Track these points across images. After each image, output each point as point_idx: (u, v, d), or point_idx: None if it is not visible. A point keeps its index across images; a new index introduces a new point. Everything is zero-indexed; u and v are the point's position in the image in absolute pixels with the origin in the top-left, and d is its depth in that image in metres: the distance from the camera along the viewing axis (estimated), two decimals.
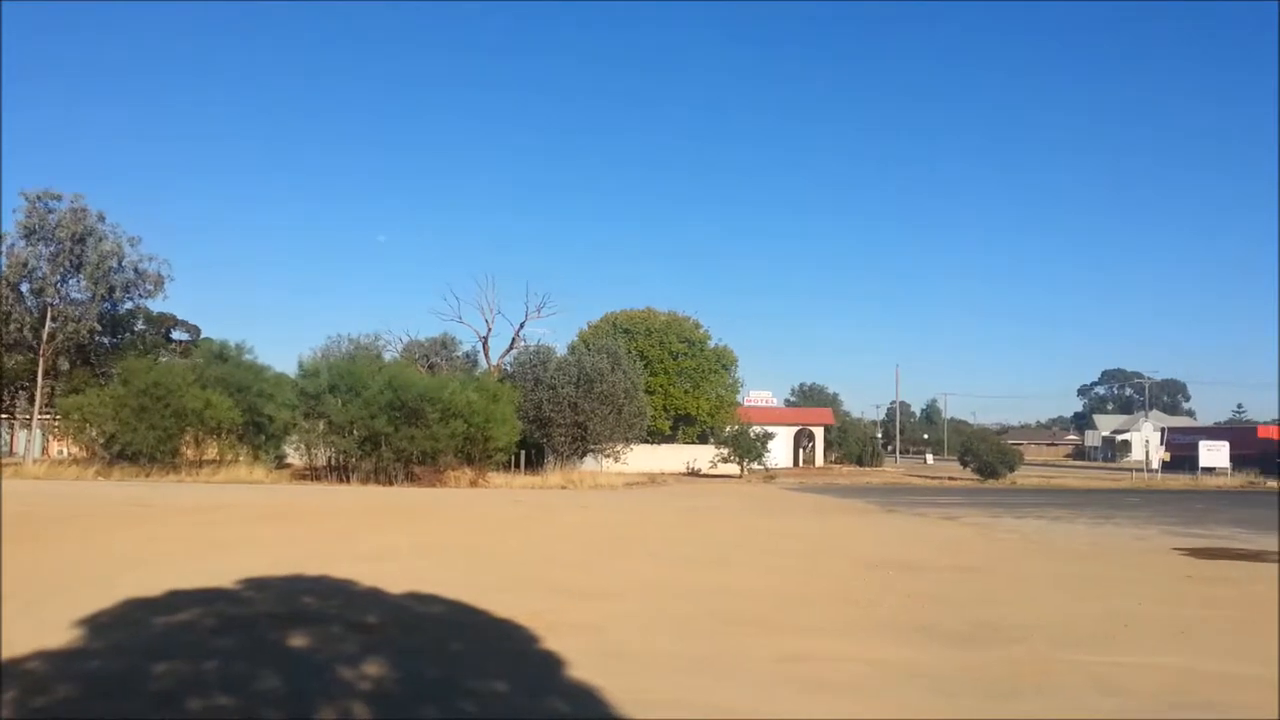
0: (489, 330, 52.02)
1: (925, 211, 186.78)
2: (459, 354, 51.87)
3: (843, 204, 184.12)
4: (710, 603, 10.51)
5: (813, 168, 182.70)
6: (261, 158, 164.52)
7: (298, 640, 7.80)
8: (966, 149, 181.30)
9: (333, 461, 35.02)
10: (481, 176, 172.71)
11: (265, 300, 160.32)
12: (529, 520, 21.21)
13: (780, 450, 57.61)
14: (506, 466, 38.61)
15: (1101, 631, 9.25)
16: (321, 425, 34.50)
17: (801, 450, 67.02)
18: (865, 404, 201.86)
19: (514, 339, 51.73)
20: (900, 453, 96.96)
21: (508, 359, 50.52)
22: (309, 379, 35.80)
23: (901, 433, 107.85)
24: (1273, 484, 49.52)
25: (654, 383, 52.81)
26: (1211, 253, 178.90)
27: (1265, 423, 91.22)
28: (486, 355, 52.04)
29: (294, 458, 38.14)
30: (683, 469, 50.47)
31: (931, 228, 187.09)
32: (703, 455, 49.49)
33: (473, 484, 33.53)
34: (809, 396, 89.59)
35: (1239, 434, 72.30)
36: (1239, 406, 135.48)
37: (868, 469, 63.75)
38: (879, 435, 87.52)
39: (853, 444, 72.13)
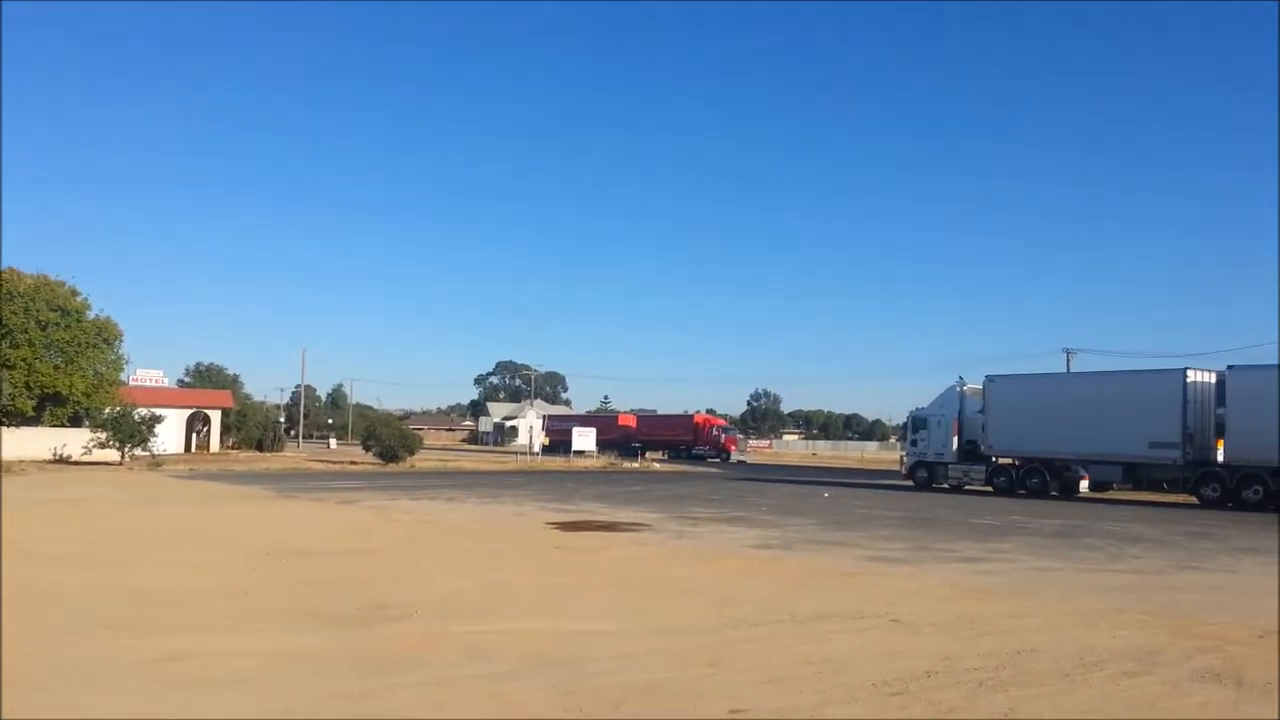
0: None
1: (333, 201, 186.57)
2: None
3: (238, 184, 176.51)
4: (76, 607, 9.31)
5: (212, 142, 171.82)
6: None
7: None
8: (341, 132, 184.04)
9: None
10: None
11: None
12: None
13: (171, 435, 53.11)
14: None
15: (480, 602, 9.97)
16: None
17: (196, 435, 62.53)
18: (269, 387, 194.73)
19: None
20: (305, 437, 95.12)
21: None
22: None
23: (306, 417, 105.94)
24: (628, 464, 57.71)
25: (15, 355, 45.30)
26: (587, 257, 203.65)
27: (625, 411, 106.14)
28: None
29: None
30: (49, 456, 44.13)
31: (334, 215, 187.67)
32: (75, 440, 43.70)
33: None
34: (206, 377, 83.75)
35: (604, 421, 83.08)
36: (605, 397, 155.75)
37: (269, 454, 61.48)
38: (282, 419, 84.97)
39: (253, 428, 69.02)
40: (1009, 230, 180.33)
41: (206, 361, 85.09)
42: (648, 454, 70.24)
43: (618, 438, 73.25)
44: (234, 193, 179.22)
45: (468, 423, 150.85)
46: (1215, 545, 17.63)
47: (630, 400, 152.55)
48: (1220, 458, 29.67)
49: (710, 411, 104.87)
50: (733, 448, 73.55)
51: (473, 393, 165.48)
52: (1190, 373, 30.25)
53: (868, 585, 11.88)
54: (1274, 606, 10.84)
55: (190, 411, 62.11)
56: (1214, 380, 30.46)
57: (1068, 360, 52.38)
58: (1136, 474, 31.78)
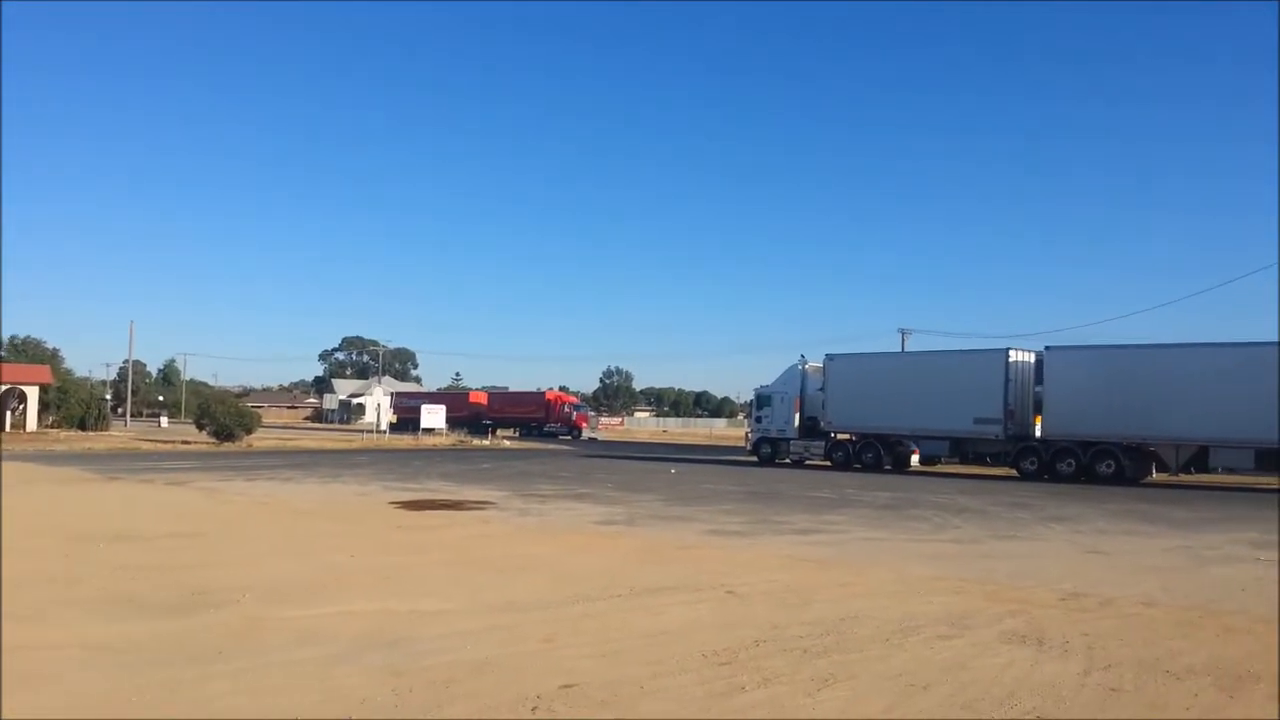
0: None
1: (165, 166, 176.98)
2: None
3: (53, 142, 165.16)
4: None
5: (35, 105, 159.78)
6: None
7: None
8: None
9: None
10: None
11: None
12: None
13: None
14: None
15: (314, 585, 9.67)
16: None
17: (10, 413, 58.26)
18: (93, 362, 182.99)
19: None
20: (133, 415, 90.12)
21: None
22: None
23: (135, 394, 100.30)
24: (478, 441, 57.10)
25: None
26: (441, 237, 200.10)
27: (476, 389, 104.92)
28: None
29: None
30: None
31: (165, 179, 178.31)
32: None
33: None
34: (21, 351, 78.09)
35: (455, 398, 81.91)
36: (457, 374, 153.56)
37: (92, 434, 57.86)
38: (109, 397, 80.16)
39: (76, 406, 64.73)
40: (853, 216, 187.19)
41: (22, 334, 79.44)
42: (499, 431, 69.70)
43: (468, 415, 72.40)
44: (50, 150, 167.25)
45: (312, 400, 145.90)
46: (1030, 515, 18.82)
47: (483, 377, 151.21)
48: (1038, 433, 31.69)
49: (563, 389, 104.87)
50: (584, 425, 73.83)
51: (317, 369, 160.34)
52: (1012, 353, 32.14)
53: (706, 558, 12.15)
54: (1077, 569, 11.69)
55: (3, 388, 57.87)
56: (1033, 360, 32.47)
57: (903, 340, 54.74)
58: (962, 448, 33.64)
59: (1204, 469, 29.95)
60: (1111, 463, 29.63)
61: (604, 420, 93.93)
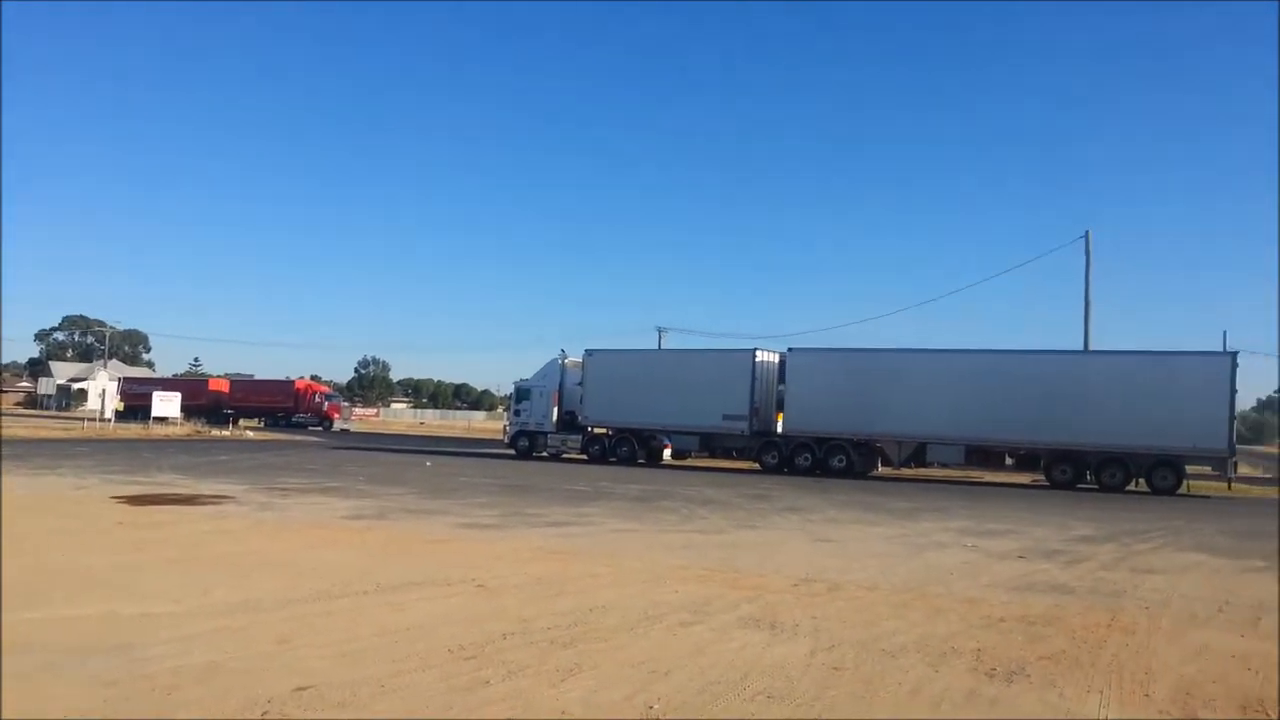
0: None
1: None
2: None
3: None
4: None
5: None
6: None
7: None
8: None
9: None
10: None
11: None
12: None
13: None
14: None
15: (21, 589, 8.73)
16: None
17: None
18: None
19: None
20: None
21: None
22: None
23: None
24: (218, 432, 53.70)
25: None
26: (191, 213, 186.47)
27: (218, 375, 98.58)
28: None
29: None
30: None
31: None
32: None
33: None
34: None
35: (193, 385, 76.64)
36: (196, 360, 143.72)
37: None
38: None
39: None
40: (622, 217, 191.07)
41: None
42: (242, 422, 65.79)
43: (208, 404, 68.01)
44: None
45: (25, 384, 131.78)
46: (769, 506, 19.92)
47: (226, 364, 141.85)
48: (779, 429, 33.57)
49: (314, 378, 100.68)
50: (336, 416, 71.15)
51: (33, 349, 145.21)
52: (759, 353, 33.85)
53: (457, 552, 12.02)
54: (809, 557, 12.48)
55: None
56: (778, 360, 34.34)
57: (659, 337, 56.44)
58: (711, 443, 35.17)
59: (922, 463, 32.83)
60: (843, 457, 31.87)
61: (358, 411, 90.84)
